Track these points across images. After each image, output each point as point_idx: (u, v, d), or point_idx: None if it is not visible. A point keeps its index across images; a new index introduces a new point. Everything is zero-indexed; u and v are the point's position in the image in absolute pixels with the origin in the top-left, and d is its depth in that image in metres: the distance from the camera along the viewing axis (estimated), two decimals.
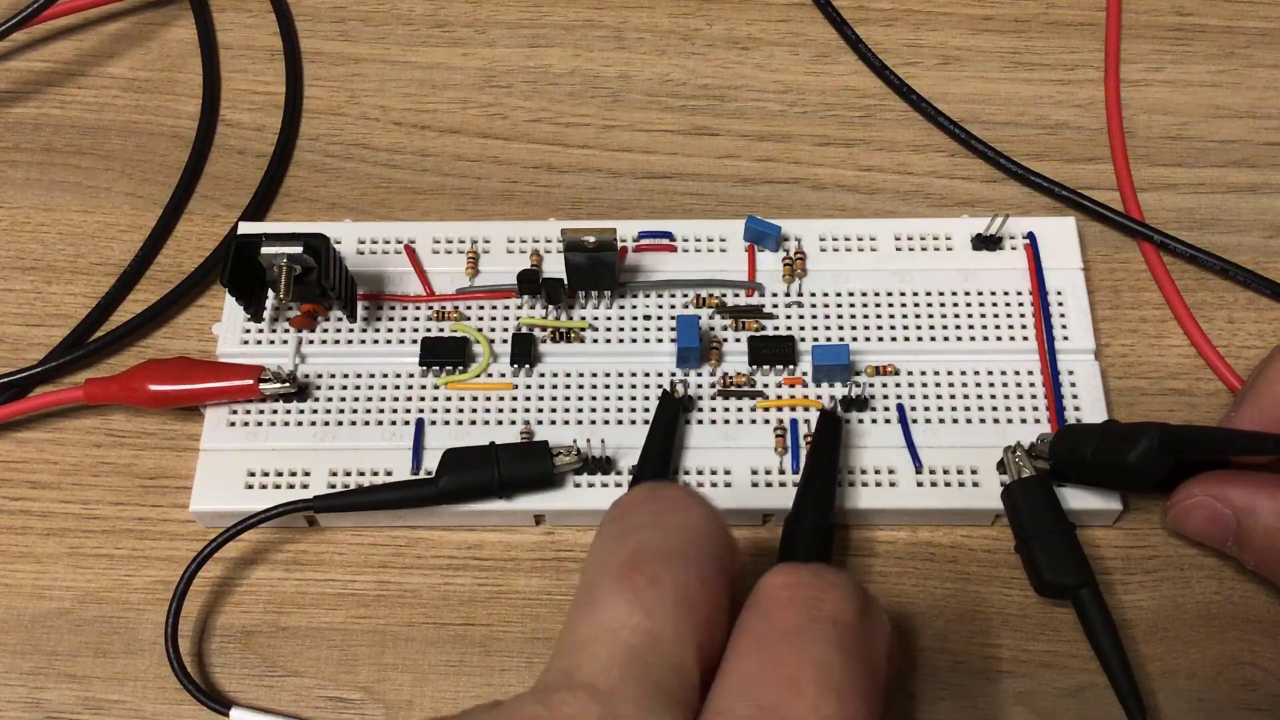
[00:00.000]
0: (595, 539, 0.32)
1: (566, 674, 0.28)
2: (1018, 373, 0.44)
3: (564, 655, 0.29)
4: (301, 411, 0.44)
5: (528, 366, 0.44)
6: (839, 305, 0.46)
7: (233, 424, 0.44)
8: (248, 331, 0.46)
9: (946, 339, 0.45)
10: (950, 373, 0.44)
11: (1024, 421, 0.44)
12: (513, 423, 0.44)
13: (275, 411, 0.44)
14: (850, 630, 0.30)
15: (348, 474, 0.43)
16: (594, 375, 0.44)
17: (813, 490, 0.41)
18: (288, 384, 0.43)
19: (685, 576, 0.30)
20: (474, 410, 0.44)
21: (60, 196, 0.51)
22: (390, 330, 0.45)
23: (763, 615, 0.30)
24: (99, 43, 0.55)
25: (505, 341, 0.45)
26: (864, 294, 0.46)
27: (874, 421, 0.43)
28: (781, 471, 0.42)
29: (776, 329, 0.45)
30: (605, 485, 0.42)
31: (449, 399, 0.44)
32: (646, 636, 0.28)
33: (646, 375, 0.44)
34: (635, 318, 0.45)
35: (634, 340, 0.45)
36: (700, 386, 0.44)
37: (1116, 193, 0.50)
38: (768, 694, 0.28)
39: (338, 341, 0.45)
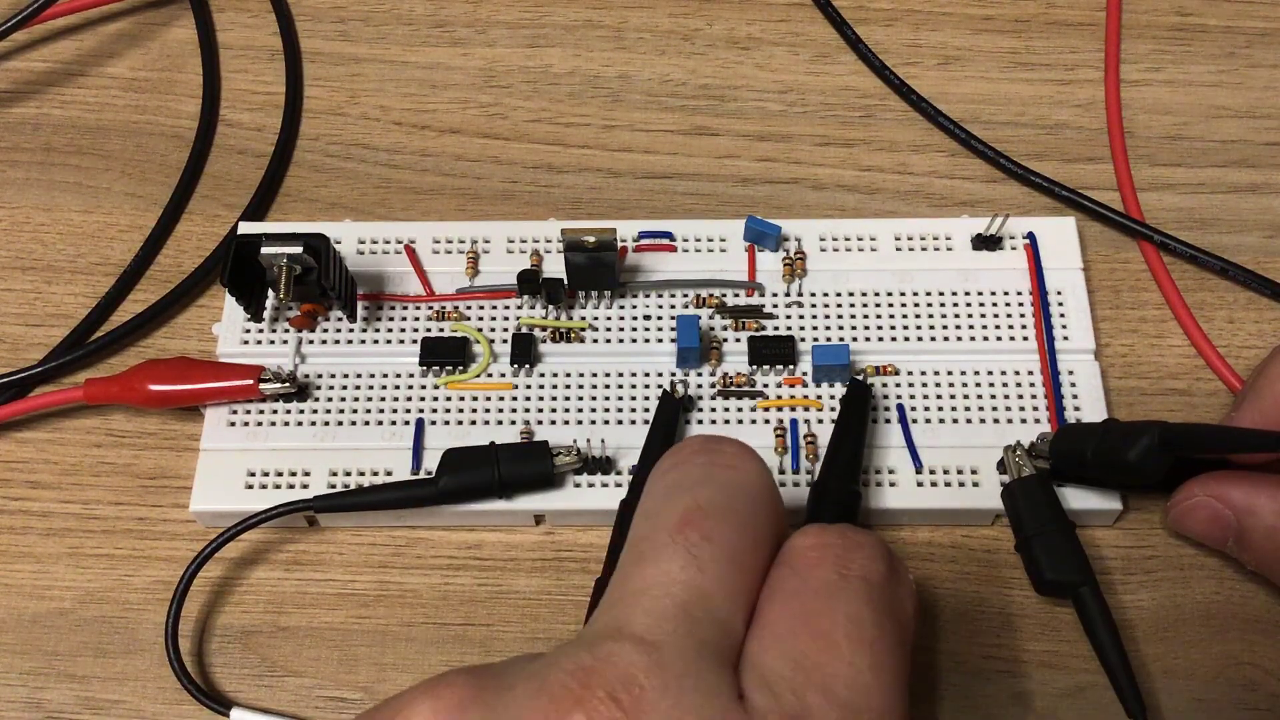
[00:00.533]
0: (648, 489, 0.33)
1: (616, 625, 0.29)
2: (1018, 373, 0.44)
3: (614, 606, 0.29)
4: (301, 411, 0.44)
5: (528, 366, 0.44)
6: (839, 305, 0.46)
7: (233, 424, 0.44)
8: (248, 331, 0.46)
9: (946, 339, 0.45)
10: (950, 373, 0.44)
11: (1024, 422, 0.44)
12: (513, 423, 0.44)
13: (275, 411, 0.44)
14: (879, 588, 0.31)
15: (348, 474, 0.43)
16: (594, 375, 0.44)
17: (840, 456, 0.42)
18: (288, 384, 0.44)
19: (738, 536, 0.30)
20: (474, 410, 0.44)
21: (60, 196, 0.51)
22: (390, 330, 0.45)
23: (794, 573, 0.31)
24: (99, 43, 0.55)
25: (505, 341, 0.45)
26: (864, 294, 0.46)
27: (874, 421, 0.43)
28: (782, 471, 0.43)
29: (776, 329, 0.45)
30: (605, 485, 0.42)
31: (449, 399, 0.44)
32: (698, 593, 0.29)
33: (646, 375, 0.44)
34: (635, 318, 0.45)
35: (634, 340, 0.45)
36: (700, 387, 0.44)
37: (1116, 193, 0.50)
38: (803, 647, 0.29)
39: (338, 341, 0.45)
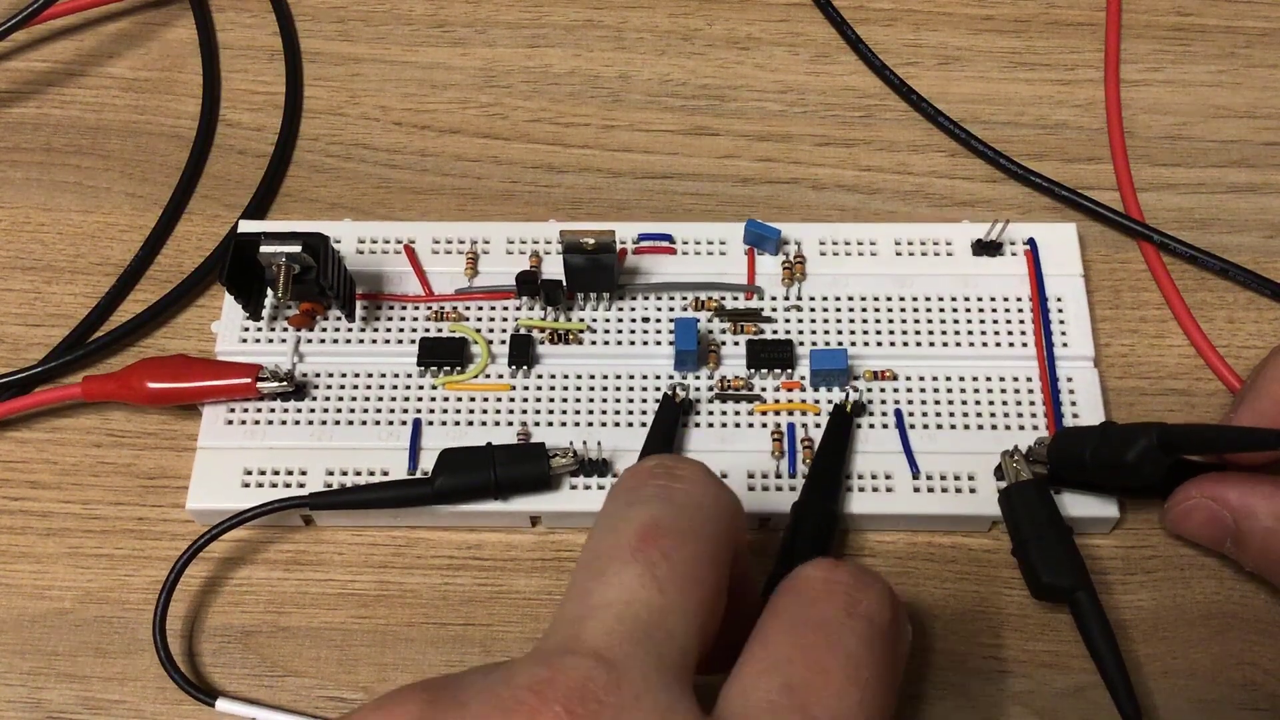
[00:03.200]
0: (605, 506, 0.32)
1: (574, 639, 0.28)
2: (1016, 379, 0.44)
3: (570, 622, 0.29)
4: (299, 410, 0.44)
5: (526, 368, 0.44)
6: (838, 309, 0.46)
7: (230, 422, 0.44)
8: (246, 330, 0.46)
9: (945, 345, 0.45)
10: (949, 378, 0.44)
11: (1022, 428, 0.43)
12: (510, 424, 0.44)
13: (273, 410, 0.44)
14: (881, 631, 0.31)
15: (344, 473, 0.43)
16: (592, 377, 0.44)
17: (822, 476, 0.42)
18: (285, 383, 0.44)
19: (696, 554, 0.30)
20: (471, 411, 0.44)
21: (60, 196, 0.51)
22: (389, 330, 0.46)
23: (800, 603, 0.31)
24: (99, 43, 0.55)
25: (503, 342, 0.45)
26: (863, 298, 0.46)
27: (871, 427, 0.43)
28: (779, 475, 0.43)
29: (775, 332, 0.45)
30: (601, 488, 0.42)
31: (446, 399, 0.44)
32: (656, 610, 0.29)
33: (644, 378, 0.44)
34: (633, 320, 0.45)
35: (632, 343, 0.45)
36: (698, 390, 0.44)
37: (1116, 193, 0.50)
38: (796, 675, 0.29)
39: (336, 341, 0.45)
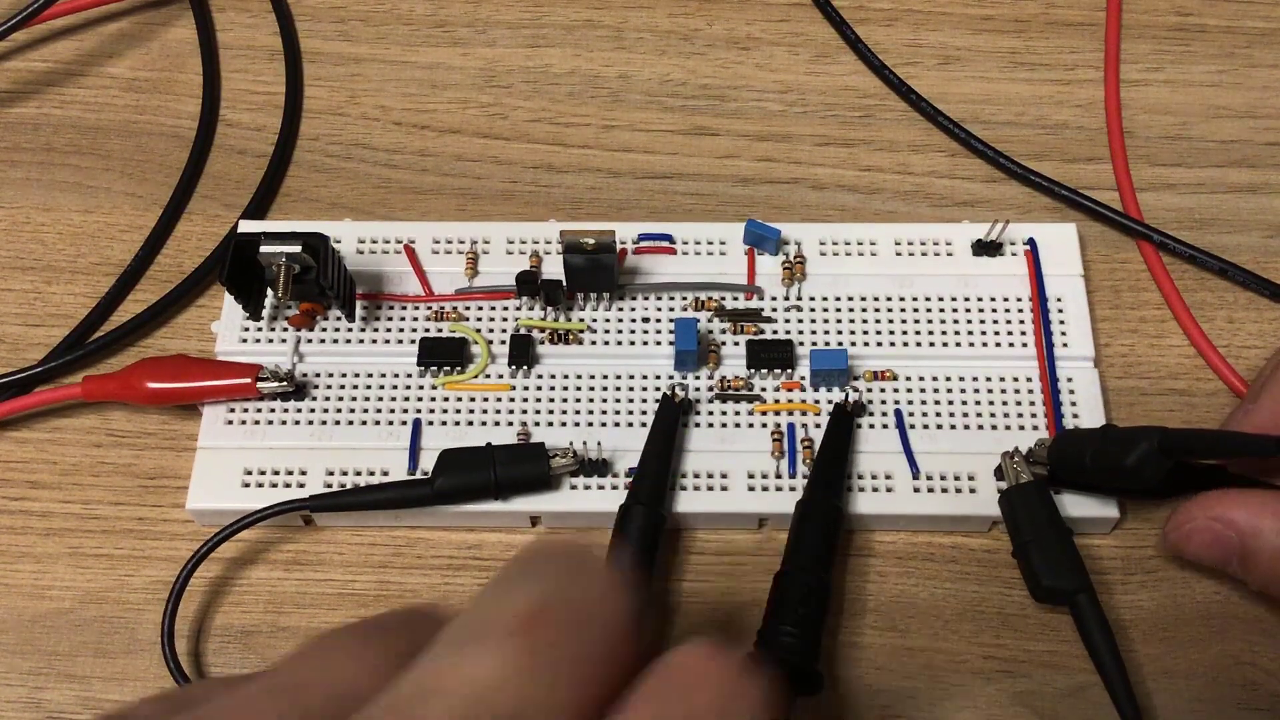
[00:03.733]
0: (493, 580, 0.27)
1: (407, 715, 0.24)
2: (1016, 379, 0.44)
3: (410, 697, 0.24)
4: (299, 410, 0.44)
5: (525, 368, 0.44)
6: (838, 309, 0.46)
7: (230, 422, 0.44)
8: (246, 330, 0.46)
9: (945, 345, 0.45)
10: (949, 379, 0.44)
11: (1022, 429, 0.44)
12: (510, 424, 0.44)
13: (273, 410, 0.44)
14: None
15: (344, 473, 0.43)
16: (592, 377, 0.44)
17: (825, 472, 0.42)
18: (285, 383, 0.44)
19: (584, 652, 0.26)
20: (471, 411, 0.44)
21: (60, 196, 0.51)
22: (389, 330, 0.46)
23: (672, 685, 0.27)
24: (99, 43, 0.55)
25: (503, 342, 0.45)
26: (863, 299, 0.46)
27: (871, 427, 0.43)
28: (778, 476, 0.42)
29: (775, 333, 0.45)
30: (601, 488, 0.42)
31: (446, 399, 0.44)
32: (522, 704, 0.25)
33: (644, 378, 0.44)
34: (634, 320, 0.45)
35: (632, 343, 0.45)
36: (698, 390, 0.44)
37: (1116, 193, 0.50)
38: None
39: (336, 341, 0.45)
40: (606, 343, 0.45)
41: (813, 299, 0.46)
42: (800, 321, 0.45)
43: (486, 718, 0.24)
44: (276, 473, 0.43)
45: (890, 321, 0.45)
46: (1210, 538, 0.39)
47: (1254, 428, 0.39)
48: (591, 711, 0.25)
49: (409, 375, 0.45)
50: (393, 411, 0.44)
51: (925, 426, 0.43)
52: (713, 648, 0.27)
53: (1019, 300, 0.46)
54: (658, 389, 0.44)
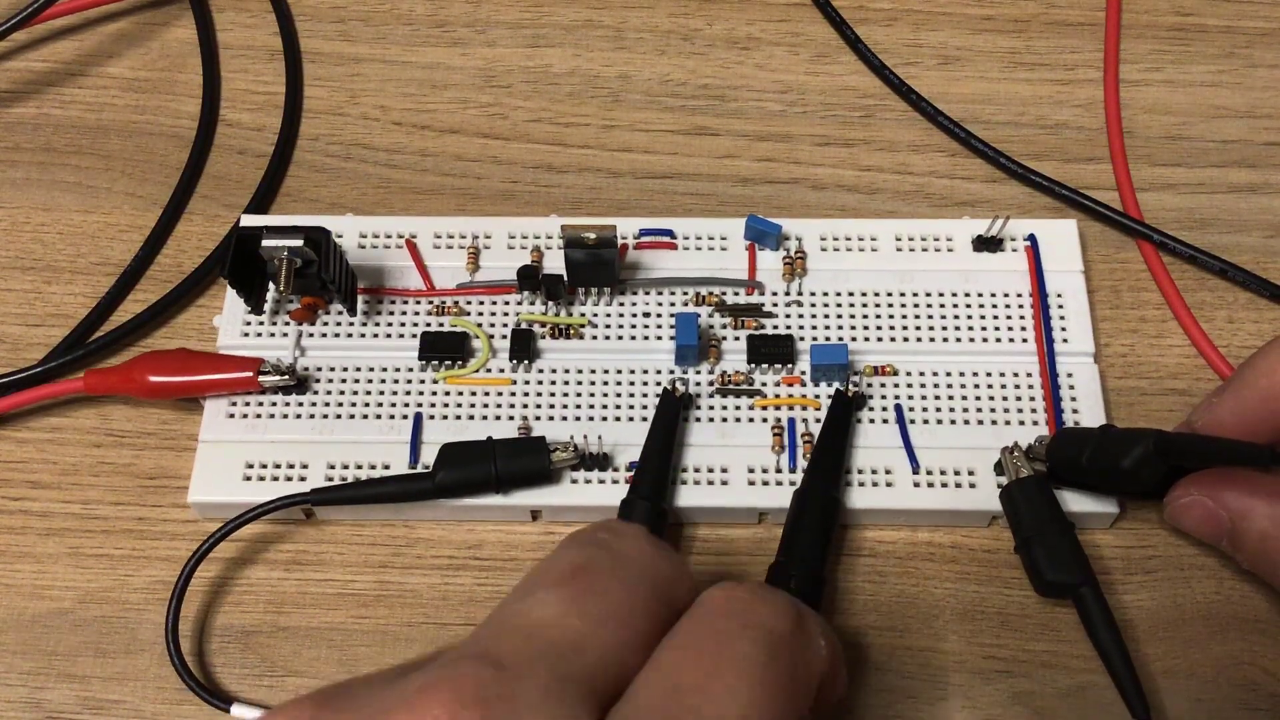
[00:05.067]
0: (549, 555, 0.32)
1: (481, 649, 0.28)
2: (1016, 375, 0.44)
3: (482, 638, 0.29)
4: (301, 404, 0.44)
5: (526, 362, 0.44)
6: (838, 305, 0.46)
7: (232, 416, 0.44)
8: (248, 324, 0.46)
9: (946, 340, 0.45)
10: (949, 374, 0.44)
11: (1022, 424, 0.43)
12: (511, 418, 0.44)
13: (274, 404, 0.44)
14: (780, 639, 0.30)
15: (345, 467, 0.43)
16: (593, 372, 0.44)
17: (822, 462, 0.42)
18: (287, 377, 0.44)
19: (628, 596, 0.30)
20: (472, 405, 0.44)
21: (60, 196, 0.51)
22: (390, 324, 0.46)
23: (696, 619, 0.30)
24: (99, 43, 0.55)
25: (504, 337, 0.45)
26: (864, 294, 0.46)
27: (871, 421, 0.43)
28: (779, 470, 0.42)
29: (775, 328, 0.45)
30: (602, 482, 0.42)
31: (448, 394, 0.44)
32: (573, 637, 0.28)
33: (645, 373, 0.44)
34: (634, 315, 0.46)
35: (633, 337, 0.45)
36: (698, 384, 0.44)
37: (1116, 193, 0.50)
38: (686, 678, 0.28)
39: (338, 335, 0.45)
40: (607, 337, 0.45)
41: (813, 294, 0.46)
42: (801, 316, 0.45)
43: (541, 644, 0.28)
44: (278, 466, 0.43)
45: (891, 317, 0.45)
46: (1203, 514, 0.39)
47: (1234, 412, 0.39)
48: (639, 644, 0.29)
49: (410, 370, 0.45)
50: (394, 406, 0.44)
51: (925, 421, 0.43)
52: (730, 584, 0.31)
53: (1019, 296, 0.46)
54: (658, 384, 0.44)
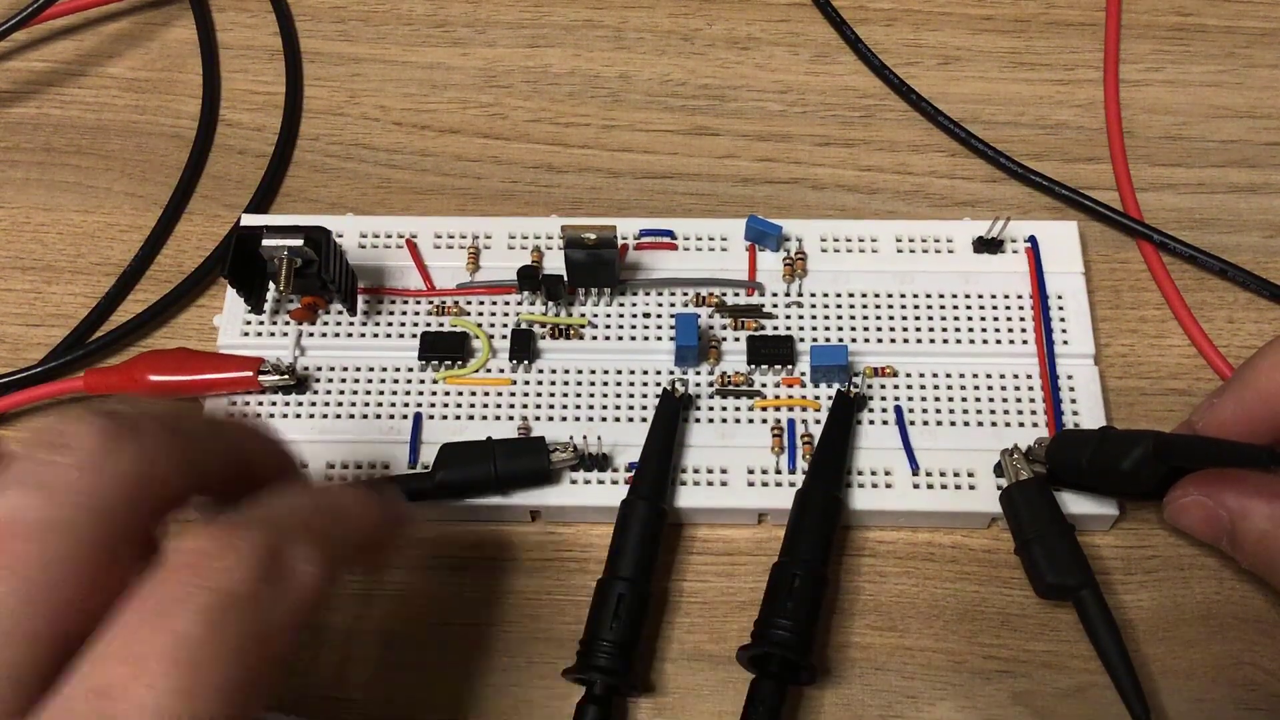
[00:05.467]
0: None
1: None
2: (1016, 376, 0.44)
3: None
4: (300, 404, 0.44)
5: (526, 362, 0.44)
6: (839, 306, 0.46)
7: (232, 415, 0.44)
8: (248, 324, 0.46)
9: (946, 341, 0.45)
10: (949, 375, 0.44)
11: (1022, 426, 0.43)
12: (511, 418, 0.44)
13: (274, 404, 0.44)
14: (238, 600, 0.26)
15: (345, 467, 0.43)
16: (593, 372, 0.44)
17: (823, 462, 0.42)
18: (287, 376, 0.44)
19: (46, 555, 0.26)
20: (472, 405, 0.44)
21: (60, 196, 0.51)
22: (390, 324, 0.46)
23: (147, 585, 0.26)
24: (99, 43, 0.55)
25: (504, 337, 0.45)
26: (864, 295, 0.46)
27: (871, 423, 0.43)
28: (778, 471, 0.42)
29: (776, 329, 0.45)
30: (601, 482, 0.42)
31: (448, 394, 0.44)
32: None
33: (645, 373, 0.44)
34: (634, 315, 0.46)
35: (633, 338, 0.45)
36: (698, 385, 0.44)
37: (1116, 193, 0.50)
38: (109, 674, 0.25)
39: (338, 335, 0.45)
40: (607, 338, 0.45)
41: (813, 295, 0.46)
42: (801, 317, 0.45)
43: None
44: None
45: (891, 318, 0.45)
46: (1203, 514, 0.39)
47: (1235, 411, 0.39)
48: (82, 598, 0.26)
49: (410, 369, 0.45)
50: (394, 405, 0.44)
51: (925, 423, 0.43)
52: (198, 531, 0.27)
53: (1019, 297, 0.46)
54: (658, 384, 0.44)
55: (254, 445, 0.33)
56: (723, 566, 0.42)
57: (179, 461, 0.29)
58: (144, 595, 0.26)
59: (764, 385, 0.44)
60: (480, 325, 0.45)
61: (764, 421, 0.43)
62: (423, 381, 0.44)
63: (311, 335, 0.45)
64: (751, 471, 0.42)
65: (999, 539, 0.42)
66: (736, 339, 0.45)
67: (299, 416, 0.44)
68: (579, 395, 0.44)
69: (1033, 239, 0.47)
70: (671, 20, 0.55)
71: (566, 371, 0.44)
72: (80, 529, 0.26)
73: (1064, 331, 0.45)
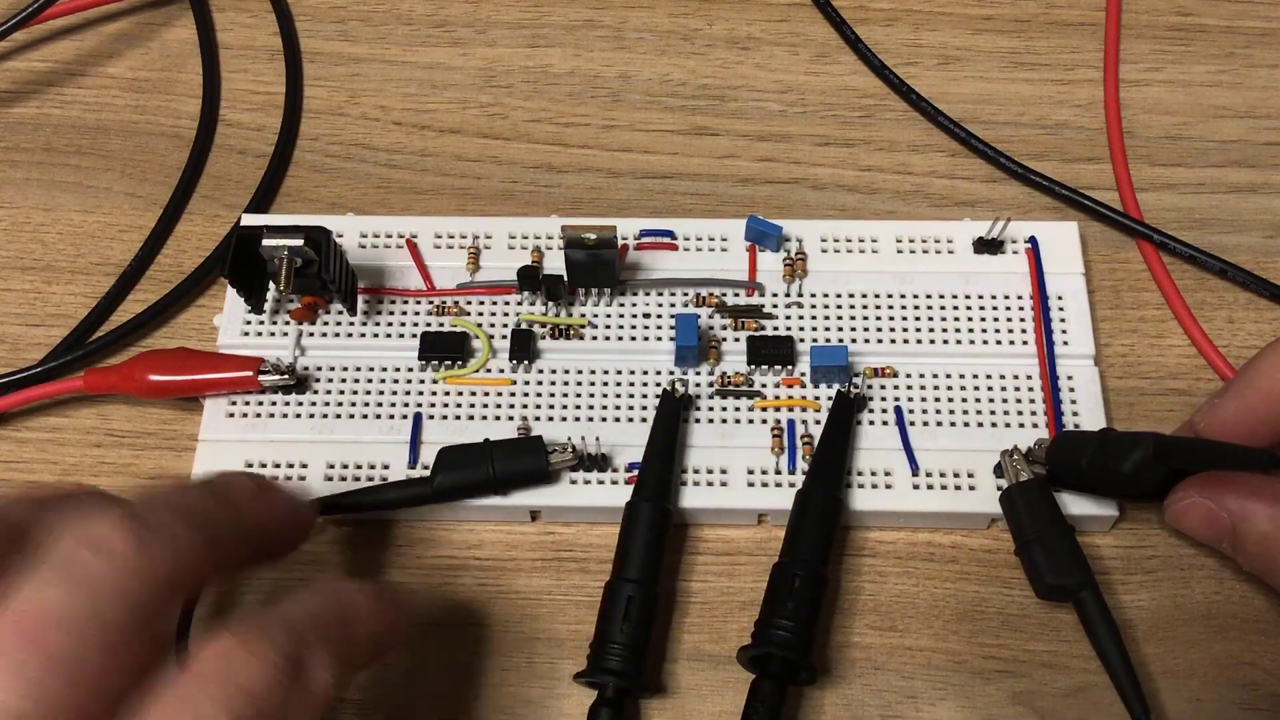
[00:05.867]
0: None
1: None
2: (1016, 377, 0.44)
3: None
4: (300, 404, 0.44)
5: (526, 363, 0.44)
6: (839, 306, 0.46)
7: (232, 415, 0.44)
8: (248, 324, 0.46)
9: (946, 342, 0.45)
10: (949, 376, 0.44)
11: (1022, 426, 0.43)
12: (510, 419, 0.44)
13: (274, 403, 0.44)
14: (259, 699, 0.28)
15: (345, 467, 0.43)
16: (593, 372, 0.44)
17: (824, 463, 0.42)
18: (287, 376, 0.44)
19: (84, 648, 0.27)
20: (472, 405, 0.44)
21: (60, 196, 0.51)
22: (390, 324, 0.46)
23: (171, 690, 0.27)
24: (99, 43, 0.55)
25: (504, 337, 0.45)
26: (864, 295, 0.46)
27: (871, 423, 0.43)
28: (778, 471, 0.42)
29: (776, 329, 0.45)
30: (601, 483, 0.42)
31: (448, 394, 0.44)
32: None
33: (645, 373, 0.44)
34: (635, 315, 0.46)
35: (633, 338, 0.45)
36: (698, 385, 0.44)
37: (1116, 193, 0.50)
38: None
39: (338, 335, 0.45)
40: (607, 338, 0.45)
41: (813, 295, 0.46)
42: (801, 318, 0.45)
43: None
44: (278, 466, 0.43)
45: (891, 318, 0.45)
46: (1204, 516, 0.39)
47: (1237, 413, 0.39)
48: (110, 692, 0.27)
49: (410, 369, 0.45)
50: (394, 405, 0.44)
51: (925, 423, 0.43)
52: (222, 634, 0.28)
53: (1020, 298, 0.46)
54: (658, 384, 0.44)
55: (272, 524, 0.34)
56: (723, 567, 0.42)
57: (202, 559, 0.30)
58: (173, 696, 0.27)
59: (764, 386, 0.44)
60: (480, 325, 0.45)
61: (764, 422, 0.43)
62: (423, 381, 0.44)
63: (311, 335, 0.45)
64: (751, 472, 0.42)
65: (999, 539, 0.42)
66: (736, 339, 0.45)
67: (299, 416, 0.44)
68: (579, 395, 0.44)
69: (1033, 239, 0.47)
70: (671, 20, 0.55)
71: (566, 372, 0.44)
72: (113, 623, 0.27)
73: (1064, 332, 0.45)
